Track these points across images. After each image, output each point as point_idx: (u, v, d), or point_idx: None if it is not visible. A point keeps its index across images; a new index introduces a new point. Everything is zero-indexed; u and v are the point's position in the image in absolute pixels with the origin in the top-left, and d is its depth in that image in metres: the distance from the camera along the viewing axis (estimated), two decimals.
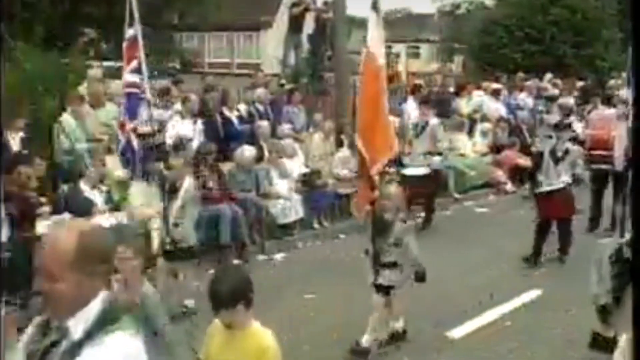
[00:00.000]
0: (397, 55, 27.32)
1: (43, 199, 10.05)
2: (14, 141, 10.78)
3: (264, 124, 13.59)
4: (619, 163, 11.17)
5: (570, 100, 18.85)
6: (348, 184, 12.99)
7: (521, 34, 29.46)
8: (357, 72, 16.99)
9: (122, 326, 2.91)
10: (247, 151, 12.17)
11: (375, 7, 7.97)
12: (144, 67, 9.70)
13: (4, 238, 9.28)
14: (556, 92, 20.11)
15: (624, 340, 5.39)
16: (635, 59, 5.06)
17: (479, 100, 18.35)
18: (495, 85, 19.25)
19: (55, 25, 18.31)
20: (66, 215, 9.90)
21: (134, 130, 10.18)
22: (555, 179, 10.81)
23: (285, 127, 13.98)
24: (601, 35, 29.41)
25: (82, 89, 12.41)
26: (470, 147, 16.72)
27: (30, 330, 3.03)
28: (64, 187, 10.73)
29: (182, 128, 12.57)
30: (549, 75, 21.83)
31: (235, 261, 11.39)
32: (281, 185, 12.53)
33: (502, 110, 18.24)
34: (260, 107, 14.37)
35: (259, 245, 11.90)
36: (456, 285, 10.13)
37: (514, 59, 28.66)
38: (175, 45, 25.99)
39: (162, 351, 5.17)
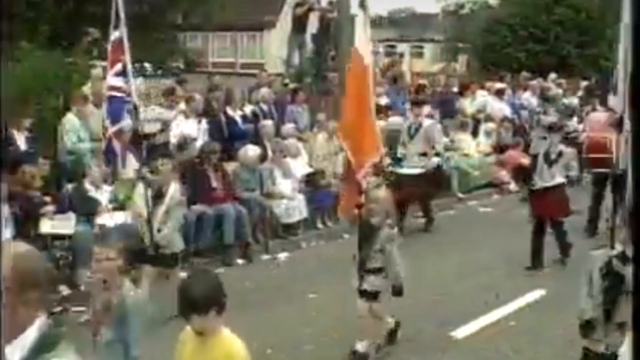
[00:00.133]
0: (401, 55, 27.28)
1: (47, 199, 10.07)
2: (20, 140, 10.81)
3: (268, 123, 13.59)
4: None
5: (574, 101, 18.85)
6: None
7: (525, 33, 29.37)
8: None
9: (59, 354, 2.82)
10: (251, 151, 12.19)
11: (362, 5, 7.91)
12: (129, 71, 9.45)
13: (8, 237, 9.30)
14: (560, 91, 20.11)
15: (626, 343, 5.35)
16: (636, 58, 5.02)
17: (483, 100, 18.34)
18: (499, 85, 19.24)
19: (60, 25, 18.30)
20: (71, 215, 9.92)
21: (117, 134, 9.94)
22: (549, 180, 10.73)
23: (289, 127, 13.98)
24: (605, 34, 29.32)
25: (86, 88, 12.43)
26: (474, 147, 16.70)
27: None
28: (68, 187, 10.74)
29: (186, 127, 12.59)
30: (553, 75, 21.79)
31: (240, 260, 11.43)
32: (285, 185, 12.53)
33: (506, 110, 18.23)
34: (265, 107, 14.38)
35: (263, 245, 11.92)
36: (460, 285, 10.13)
37: (517, 58, 28.57)
38: (179, 45, 25.96)
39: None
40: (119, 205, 10.46)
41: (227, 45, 41.06)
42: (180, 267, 10.67)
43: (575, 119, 17.27)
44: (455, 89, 18.75)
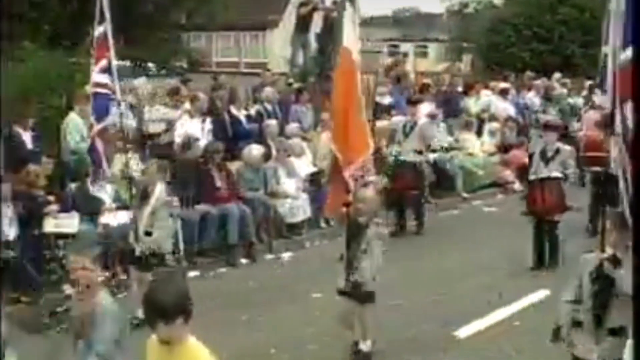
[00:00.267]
0: (405, 55, 27.32)
1: (51, 198, 10.08)
2: (26, 138, 10.83)
3: (272, 123, 13.58)
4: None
5: (579, 100, 18.81)
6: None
7: (529, 33, 29.35)
8: (365, 71, 17.02)
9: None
10: (255, 150, 12.18)
11: (351, 0, 7.81)
12: (114, 67, 9.35)
13: (12, 236, 9.33)
14: (564, 91, 20.08)
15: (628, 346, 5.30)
16: (636, 59, 4.98)
17: (487, 99, 18.31)
18: (503, 85, 19.20)
19: (62, 25, 18.34)
20: (74, 214, 9.93)
21: (100, 133, 9.82)
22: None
23: (293, 126, 13.98)
24: None
25: (89, 88, 12.42)
26: (478, 147, 16.68)
27: None
28: (72, 186, 10.75)
29: (191, 127, 12.58)
30: (557, 75, 21.75)
31: (244, 260, 11.43)
32: (289, 185, 12.52)
33: (510, 110, 18.19)
34: (269, 106, 14.38)
35: (267, 245, 11.92)
36: (463, 285, 10.12)
37: (522, 58, 28.55)
38: (183, 45, 25.99)
39: None
40: (122, 204, 10.47)
41: (231, 45, 41.13)
42: (186, 267, 10.75)
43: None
44: (460, 89, 18.72)
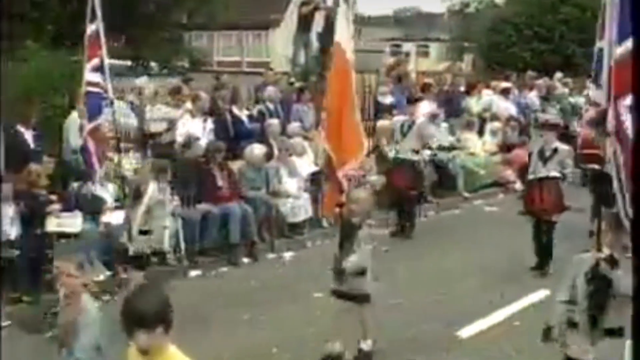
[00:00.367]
0: (407, 54, 27.32)
1: (53, 197, 10.08)
2: (29, 138, 10.83)
3: (274, 122, 13.59)
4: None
5: (580, 100, 18.78)
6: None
7: (530, 32, 29.37)
8: (367, 71, 17.01)
9: None
10: (257, 149, 12.19)
11: None
12: (106, 66, 9.14)
13: (14, 235, 9.34)
14: (566, 90, 20.08)
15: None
16: (636, 51, 4.95)
17: (489, 99, 18.32)
18: (505, 84, 19.21)
19: (64, 24, 18.36)
20: (77, 213, 9.94)
21: (92, 132, 9.63)
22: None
23: (295, 126, 13.98)
24: None
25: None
26: (480, 146, 16.70)
27: None
28: (75, 185, 10.76)
29: (192, 126, 12.59)
30: (559, 74, 21.75)
31: (245, 259, 11.44)
32: (291, 184, 12.52)
33: (512, 109, 18.20)
34: (270, 106, 14.39)
35: (269, 244, 11.93)
36: (464, 285, 10.12)
37: (523, 57, 28.58)
38: (185, 44, 26.03)
39: None
40: (122, 203, 10.47)
41: (233, 44, 41.17)
42: (187, 266, 10.77)
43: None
44: (462, 88, 18.74)
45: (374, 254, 7.60)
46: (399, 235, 12.62)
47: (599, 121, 5.77)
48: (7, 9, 15.95)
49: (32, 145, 10.76)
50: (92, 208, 10.25)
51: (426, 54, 47.63)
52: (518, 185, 16.19)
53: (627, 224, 5.19)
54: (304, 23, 18.11)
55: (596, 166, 11.40)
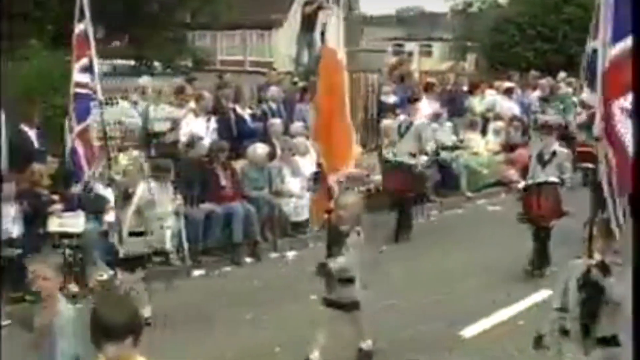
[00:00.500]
0: (410, 54, 27.29)
1: (55, 197, 10.09)
2: (33, 137, 10.84)
3: (277, 121, 13.59)
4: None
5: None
6: (359, 183, 12.95)
7: (533, 32, 29.31)
8: (369, 70, 16.99)
9: None
10: (260, 149, 12.19)
11: None
12: (95, 66, 8.86)
13: (16, 234, 9.36)
14: (569, 90, 20.04)
15: None
16: (636, 59, 4.89)
17: (492, 99, 18.31)
18: (508, 84, 19.19)
19: (64, 24, 18.41)
20: (79, 213, 9.95)
21: (80, 134, 9.23)
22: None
23: (298, 125, 13.96)
24: None
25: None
26: (483, 146, 16.68)
27: None
28: (77, 185, 10.75)
29: (196, 126, 12.60)
30: (562, 74, 21.70)
31: (248, 259, 11.44)
32: (293, 184, 12.53)
33: (515, 109, 18.18)
34: (273, 105, 14.39)
35: (271, 244, 11.94)
36: (467, 284, 10.12)
37: (526, 57, 28.51)
38: (188, 44, 26.06)
39: None
40: None
41: (236, 44, 41.11)
42: (190, 266, 10.77)
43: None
44: (465, 88, 18.72)
45: (373, 259, 7.53)
46: (396, 236, 12.54)
47: (589, 125, 5.68)
48: (8, 9, 15.97)
49: (36, 145, 10.77)
50: (95, 207, 10.25)
51: (429, 54, 47.59)
52: (521, 185, 16.19)
53: (616, 230, 5.08)
54: (308, 23, 18.10)
55: (590, 165, 11.41)
